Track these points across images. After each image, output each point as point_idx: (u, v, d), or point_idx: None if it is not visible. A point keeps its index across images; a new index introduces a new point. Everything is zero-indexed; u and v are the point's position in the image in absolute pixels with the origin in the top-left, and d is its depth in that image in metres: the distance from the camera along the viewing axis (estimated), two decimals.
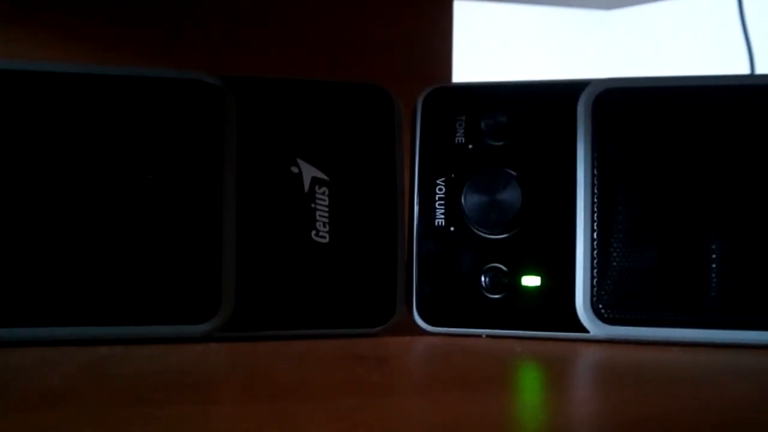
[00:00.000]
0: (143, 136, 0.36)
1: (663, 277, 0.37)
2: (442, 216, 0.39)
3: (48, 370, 0.30)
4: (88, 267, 0.34)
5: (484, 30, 1.02)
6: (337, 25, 0.57)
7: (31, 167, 0.34)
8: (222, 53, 0.54)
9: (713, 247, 0.36)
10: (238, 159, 0.37)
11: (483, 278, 0.39)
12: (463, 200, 0.39)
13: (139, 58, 0.52)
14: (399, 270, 0.39)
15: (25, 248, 0.34)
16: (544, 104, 0.39)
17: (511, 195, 0.38)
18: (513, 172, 0.39)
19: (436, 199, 0.39)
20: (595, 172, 0.38)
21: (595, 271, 0.37)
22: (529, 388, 0.31)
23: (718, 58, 0.90)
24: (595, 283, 0.37)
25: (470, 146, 0.39)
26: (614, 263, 0.37)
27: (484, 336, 0.39)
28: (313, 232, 0.38)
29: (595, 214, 0.37)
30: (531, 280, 0.38)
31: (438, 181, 0.40)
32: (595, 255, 0.37)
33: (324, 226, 0.38)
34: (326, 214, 0.38)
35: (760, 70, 0.73)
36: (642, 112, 0.37)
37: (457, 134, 0.40)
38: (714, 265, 0.36)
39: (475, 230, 0.39)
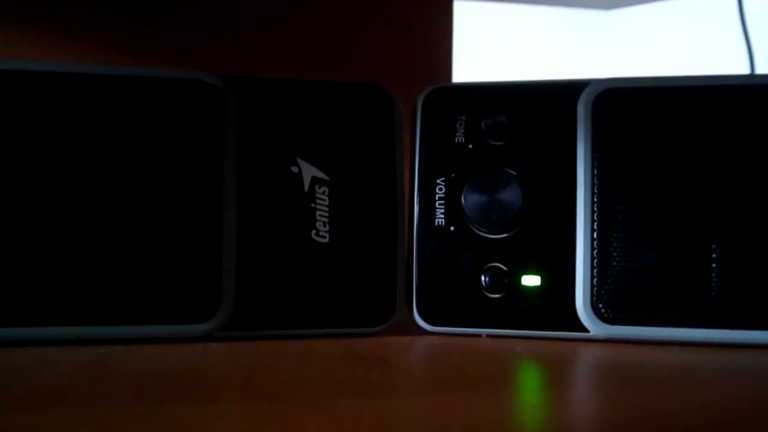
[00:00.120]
0: (143, 136, 0.36)
1: (663, 277, 0.37)
2: (442, 216, 0.39)
3: (48, 369, 0.30)
4: (88, 266, 0.34)
5: (484, 30, 1.02)
6: (337, 26, 0.57)
7: (31, 167, 0.34)
8: (222, 53, 0.54)
9: (713, 246, 0.36)
10: (238, 159, 0.37)
11: (483, 278, 0.39)
12: (463, 200, 0.39)
13: (139, 58, 0.52)
14: (399, 270, 0.39)
15: (25, 248, 0.34)
16: (544, 104, 0.39)
17: (511, 195, 0.38)
18: (513, 172, 0.39)
19: (436, 198, 0.39)
20: (595, 172, 0.38)
21: (595, 270, 0.37)
22: (530, 388, 0.31)
23: (718, 58, 0.90)
24: (595, 282, 0.37)
25: (470, 146, 0.39)
26: (614, 263, 0.37)
27: (484, 336, 0.39)
28: (313, 232, 0.38)
29: (595, 214, 0.37)
30: (531, 280, 0.38)
31: (438, 181, 0.40)
32: (595, 255, 0.37)
33: (324, 226, 0.38)
34: (326, 214, 0.38)
35: (760, 70, 0.73)
36: (642, 112, 0.37)
37: (457, 134, 0.40)
38: (714, 265, 0.36)
39: (475, 230, 0.39)
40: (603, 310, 0.37)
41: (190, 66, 0.51)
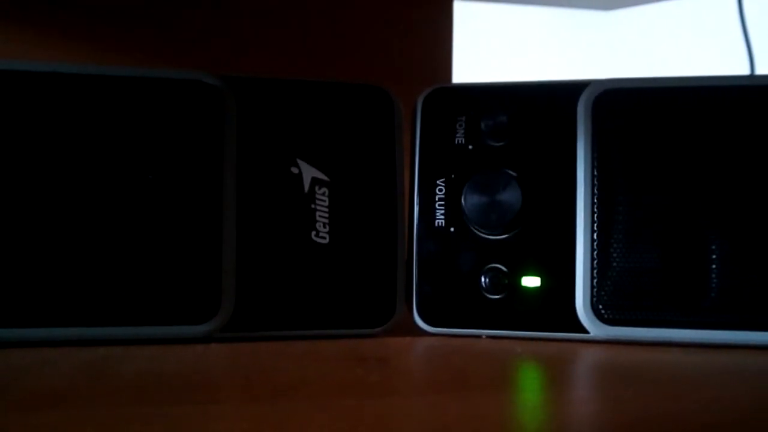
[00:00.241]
0: (143, 137, 0.36)
1: (663, 278, 0.37)
2: (442, 216, 0.39)
3: (48, 370, 0.30)
4: (88, 267, 0.34)
5: (484, 30, 1.02)
6: (337, 25, 0.57)
7: (31, 168, 0.34)
8: (222, 53, 0.54)
9: (713, 247, 0.36)
10: (238, 159, 0.37)
11: (483, 279, 0.39)
12: (463, 201, 0.39)
13: (139, 58, 0.52)
14: (399, 270, 0.39)
15: (25, 248, 0.34)
16: (544, 105, 0.39)
17: (511, 195, 0.38)
18: (513, 173, 0.39)
19: (436, 199, 0.39)
20: (595, 173, 0.38)
21: (595, 271, 0.37)
22: (529, 389, 0.31)
23: (718, 58, 0.90)
24: (595, 283, 0.37)
25: (470, 147, 0.39)
26: (614, 264, 0.37)
27: (484, 336, 0.39)
28: (313, 233, 0.38)
29: (595, 215, 0.37)
30: (531, 281, 0.38)
31: (438, 182, 0.40)
32: (595, 255, 0.37)
33: (324, 227, 0.38)
34: (326, 215, 0.38)
35: (760, 70, 0.73)
36: (642, 113, 0.37)
37: (457, 135, 0.40)
38: (714, 266, 0.36)
39: (475, 231, 0.39)
40: (603, 311, 0.37)
41: (190, 66, 0.51)
